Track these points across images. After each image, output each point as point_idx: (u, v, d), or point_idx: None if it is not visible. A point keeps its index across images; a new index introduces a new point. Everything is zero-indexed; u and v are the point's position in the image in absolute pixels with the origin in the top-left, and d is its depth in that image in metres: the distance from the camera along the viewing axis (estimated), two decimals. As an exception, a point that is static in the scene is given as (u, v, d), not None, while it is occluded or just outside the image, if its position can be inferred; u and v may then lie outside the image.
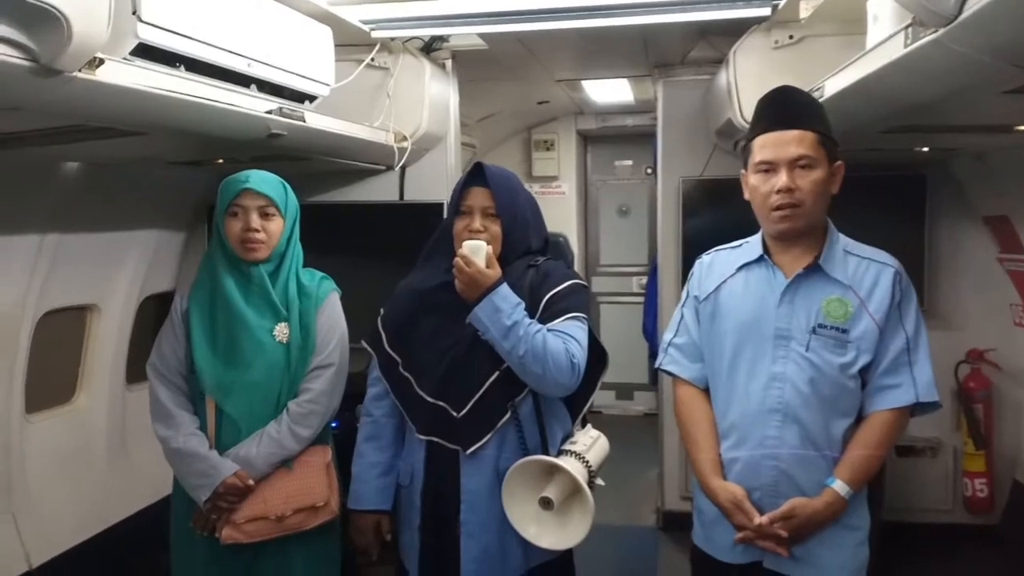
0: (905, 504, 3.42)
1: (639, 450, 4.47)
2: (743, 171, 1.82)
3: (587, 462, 1.84)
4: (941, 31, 1.31)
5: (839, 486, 1.70)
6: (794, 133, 1.70)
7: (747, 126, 2.59)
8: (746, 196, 1.81)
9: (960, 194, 3.36)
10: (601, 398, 1.64)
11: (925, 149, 2.86)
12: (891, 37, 1.59)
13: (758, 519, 1.71)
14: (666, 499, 3.89)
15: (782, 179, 1.69)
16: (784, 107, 1.75)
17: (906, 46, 1.49)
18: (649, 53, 3.72)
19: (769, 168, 1.72)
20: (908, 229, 3.37)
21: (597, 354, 1.93)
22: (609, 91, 4.98)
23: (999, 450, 3.39)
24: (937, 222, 3.46)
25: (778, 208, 1.72)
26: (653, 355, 4.46)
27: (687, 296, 1.94)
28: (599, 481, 1.88)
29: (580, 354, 1.82)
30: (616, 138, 6.17)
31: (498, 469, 1.85)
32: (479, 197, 1.89)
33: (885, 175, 3.27)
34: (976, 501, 3.41)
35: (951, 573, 3.26)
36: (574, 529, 1.80)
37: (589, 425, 2.00)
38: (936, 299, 3.48)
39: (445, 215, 2.04)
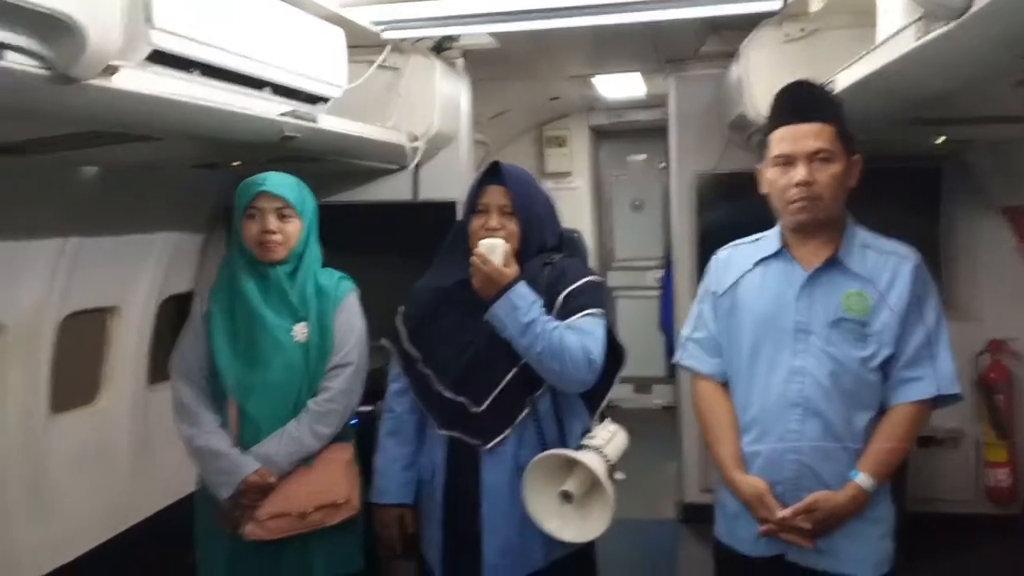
0: (927, 495, 3.41)
1: (658, 443, 4.47)
2: (759, 165, 1.82)
3: (606, 456, 1.85)
4: (952, 24, 1.31)
5: (862, 479, 1.70)
6: (812, 126, 1.69)
7: (760, 120, 2.59)
8: (763, 190, 1.81)
9: (976, 185, 3.34)
10: (619, 392, 1.66)
11: (939, 141, 2.85)
12: (902, 31, 1.58)
13: (781, 513, 1.72)
14: (686, 492, 3.89)
15: (800, 172, 1.69)
16: (802, 101, 1.74)
17: (917, 40, 1.48)
18: (660, 48, 3.72)
19: (787, 161, 1.71)
20: (923, 221, 3.36)
21: (614, 350, 1.94)
22: (621, 86, 4.98)
23: (1021, 440, 3.38)
24: (953, 214, 3.44)
25: (796, 201, 1.71)
26: (670, 349, 4.46)
27: (705, 291, 1.93)
28: (619, 475, 1.89)
29: (597, 350, 1.83)
30: (628, 133, 6.16)
31: (518, 464, 1.86)
32: (496, 195, 1.91)
33: (899, 167, 3.26)
34: (998, 491, 3.40)
35: (974, 564, 3.25)
36: (595, 522, 1.82)
37: (608, 419, 2.01)
38: (954, 290, 3.46)
39: (458, 213, 2.05)
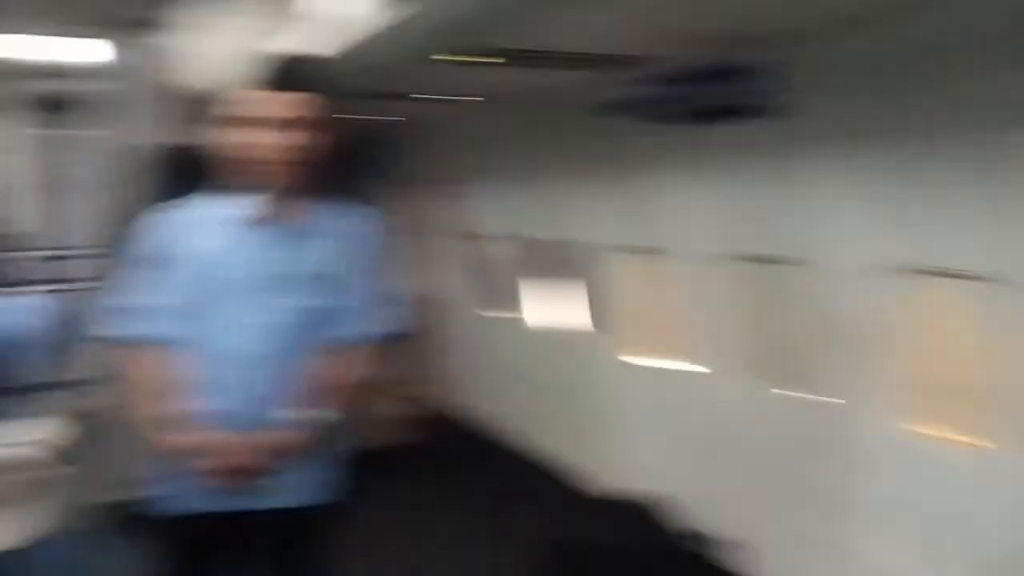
0: (370, 432, 3.79)
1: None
2: (220, 127, 1.81)
3: None
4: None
5: (303, 414, 1.80)
6: (292, 95, 1.76)
7: (197, 88, 2.61)
8: (224, 153, 1.81)
9: (417, 159, 3.87)
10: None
11: (393, 118, 3.17)
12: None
13: (226, 459, 1.74)
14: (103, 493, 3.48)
15: (273, 136, 1.74)
16: (284, 69, 1.80)
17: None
18: (108, 12, 3.47)
19: (260, 125, 1.75)
20: (371, 190, 3.77)
21: None
22: (68, 51, 4.49)
23: (429, 380, 4.09)
24: (401, 184, 3.90)
25: (266, 163, 1.76)
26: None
27: (142, 257, 1.85)
28: None
29: None
30: (79, 104, 5.57)
31: None
32: None
33: (353, 140, 3.58)
34: (406, 424, 3.98)
35: (394, 489, 3.64)
36: None
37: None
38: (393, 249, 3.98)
39: None
